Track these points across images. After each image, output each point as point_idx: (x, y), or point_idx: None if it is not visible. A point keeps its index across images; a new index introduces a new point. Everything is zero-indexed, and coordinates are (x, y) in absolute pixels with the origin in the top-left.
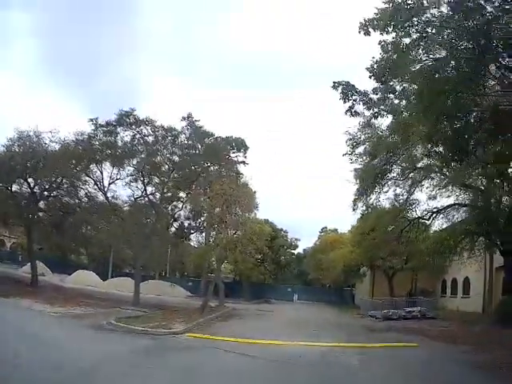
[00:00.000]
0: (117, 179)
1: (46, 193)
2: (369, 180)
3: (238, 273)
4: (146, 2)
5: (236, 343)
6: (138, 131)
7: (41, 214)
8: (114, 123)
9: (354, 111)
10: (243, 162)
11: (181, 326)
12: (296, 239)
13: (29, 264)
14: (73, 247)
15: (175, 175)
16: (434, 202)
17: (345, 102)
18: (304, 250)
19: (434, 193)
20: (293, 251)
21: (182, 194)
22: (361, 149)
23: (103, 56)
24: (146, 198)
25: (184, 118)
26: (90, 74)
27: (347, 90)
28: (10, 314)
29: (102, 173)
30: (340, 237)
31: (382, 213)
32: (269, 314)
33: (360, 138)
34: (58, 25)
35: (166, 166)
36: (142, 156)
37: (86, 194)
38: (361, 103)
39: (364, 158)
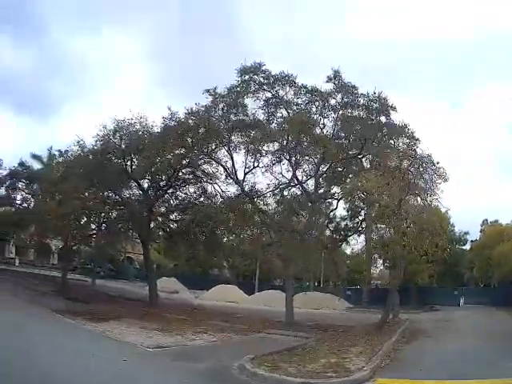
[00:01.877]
0: (254, 167)
1: (160, 192)
2: None
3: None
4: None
5: None
6: (273, 94)
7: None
8: (237, 88)
9: None
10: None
11: (363, 364)
12: (465, 233)
13: (159, 281)
14: (212, 261)
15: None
16: None
17: None
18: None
19: None
20: (462, 247)
21: (336, 189)
22: None
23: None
24: (297, 187)
25: (330, 79)
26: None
27: None
28: (78, 351)
29: (232, 157)
30: (504, 228)
31: None
32: (450, 326)
33: None
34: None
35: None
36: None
37: (214, 189)
38: None
39: None
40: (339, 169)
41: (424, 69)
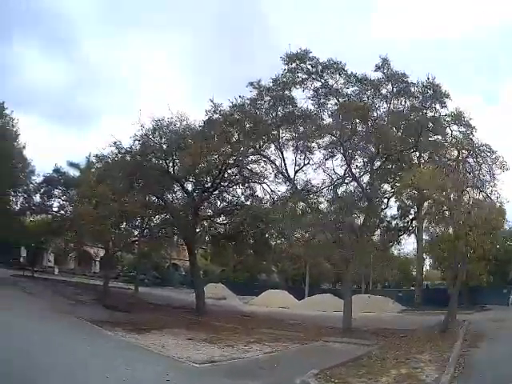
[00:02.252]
0: (304, 164)
1: (205, 194)
2: None
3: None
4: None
5: None
6: (322, 83)
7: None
8: (283, 78)
9: None
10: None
11: (436, 374)
12: None
13: (206, 287)
14: (261, 265)
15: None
16: None
17: None
18: None
19: None
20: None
21: (387, 187)
22: None
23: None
24: (352, 184)
25: (378, 67)
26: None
27: None
28: (112, 370)
29: (282, 153)
30: None
31: None
32: (507, 326)
33: None
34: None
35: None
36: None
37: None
38: None
39: None
40: (389, 166)
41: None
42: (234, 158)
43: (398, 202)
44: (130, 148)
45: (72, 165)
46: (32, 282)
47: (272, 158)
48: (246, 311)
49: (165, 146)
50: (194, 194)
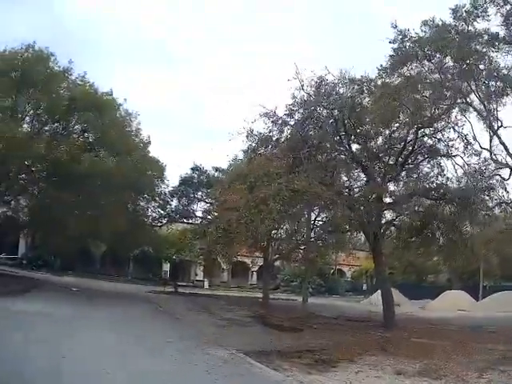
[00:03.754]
0: (499, 127)
1: (390, 176)
2: None
3: None
4: None
5: None
6: None
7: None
8: (464, 8)
9: None
10: None
11: None
12: None
13: (376, 293)
14: (430, 265)
15: None
16: None
17: None
18: None
19: None
20: None
21: None
22: None
23: None
24: None
25: None
26: None
27: None
28: None
29: (484, 105)
30: None
31: None
32: None
33: None
34: None
35: None
36: None
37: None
38: None
39: None
40: None
41: None
42: (427, 119)
43: None
44: (289, 114)
45: (217, 170)
46: (172, 298)
47: (459, 124)
48: (431, 318)
49: (337, 113)
50: (376, 177)
